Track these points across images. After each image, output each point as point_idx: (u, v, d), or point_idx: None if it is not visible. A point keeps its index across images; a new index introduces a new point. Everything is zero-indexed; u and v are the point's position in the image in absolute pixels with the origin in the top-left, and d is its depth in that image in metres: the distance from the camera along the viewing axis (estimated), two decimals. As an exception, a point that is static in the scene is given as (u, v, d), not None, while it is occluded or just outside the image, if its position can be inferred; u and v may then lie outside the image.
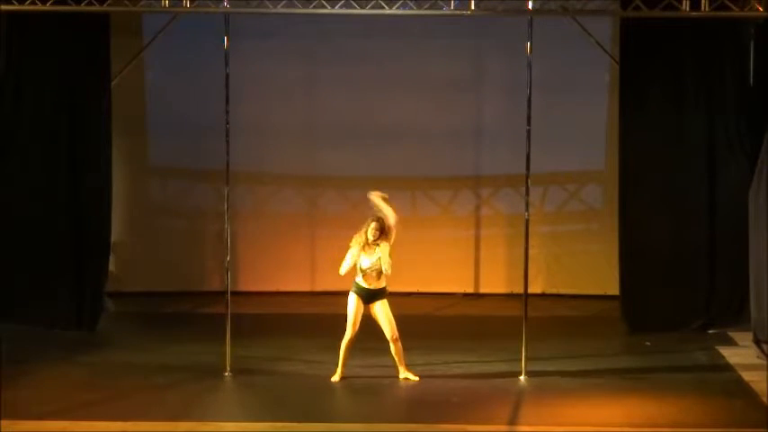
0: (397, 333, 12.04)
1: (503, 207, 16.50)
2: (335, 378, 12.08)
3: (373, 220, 11.95)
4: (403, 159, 16.36)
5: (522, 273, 12.67)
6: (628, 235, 14.42)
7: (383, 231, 11.95)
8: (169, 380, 12.13)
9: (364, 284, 12.00)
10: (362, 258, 11.95)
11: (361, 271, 11.97)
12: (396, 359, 12.15)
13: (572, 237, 16.52)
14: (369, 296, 12.03)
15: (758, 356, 13.01)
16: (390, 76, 16.28)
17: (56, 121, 14.33)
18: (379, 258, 11.91)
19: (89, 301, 14.39)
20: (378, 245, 11.91)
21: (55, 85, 14.31)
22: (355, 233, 12.01)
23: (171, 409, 11.20)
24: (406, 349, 12.17)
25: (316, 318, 15.05)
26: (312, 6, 12.51)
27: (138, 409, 11.11)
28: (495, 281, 16.46)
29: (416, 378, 12.15)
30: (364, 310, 12.05)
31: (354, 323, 12.00)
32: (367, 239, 11.92)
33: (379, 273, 11.97)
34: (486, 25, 15.69)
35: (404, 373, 12.17)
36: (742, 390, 11.91)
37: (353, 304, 12.01)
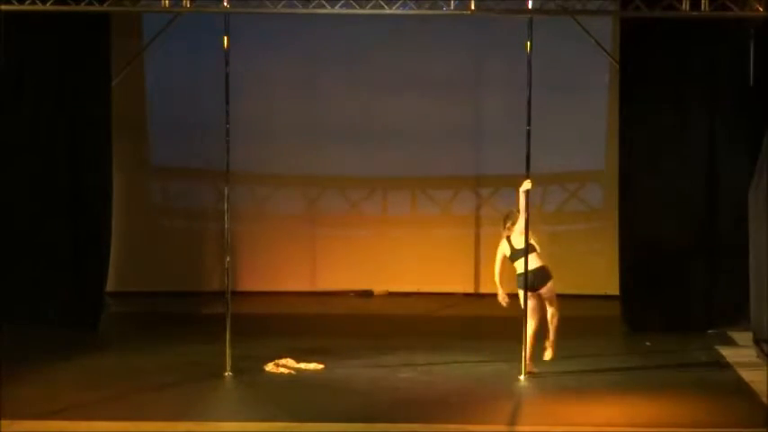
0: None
1: (503, 207, 16.42)
2: (533, 368, 12.17)
3: (514, 214, 12.19)
4: (403, 159, 16.36)
5: (521, 273, 12.67)
6: (627, 235, 14.42)
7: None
8: (169, 380, 12.11)
9: (523, 270, 12.06)
10: (509, 249, 12.17)
11: (516, 260, 12.11)
12: (551, 332, 12.32)
13: (572, 236, 16.51)
14: (533, 280, 12.12)
15: (758, 356, 13.00)
16: (390, 76, 16.27)
17: (56, 121, 14.34)
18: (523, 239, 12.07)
19: (89, 301, 14.39)
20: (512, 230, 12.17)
21: (55, 85, 14.32)
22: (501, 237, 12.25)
23: (171, 409, 11.18)
24: (408, 348, 12.16)
25: (316, 318, 15.04)
26: (312, 6, 12.48)
27: (137, 409, 11.10)
28: (496, 281, 16.44)
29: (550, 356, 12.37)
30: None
31: (533, 314, 12.15)
32: (509, 232, 12.14)
33: (529, 252, 12.11)
34: (486, 25, 15.69)
35: (549, 351, 12.40)
36: (742, 390, 11.90)
37: (526, 299, 12.09)
